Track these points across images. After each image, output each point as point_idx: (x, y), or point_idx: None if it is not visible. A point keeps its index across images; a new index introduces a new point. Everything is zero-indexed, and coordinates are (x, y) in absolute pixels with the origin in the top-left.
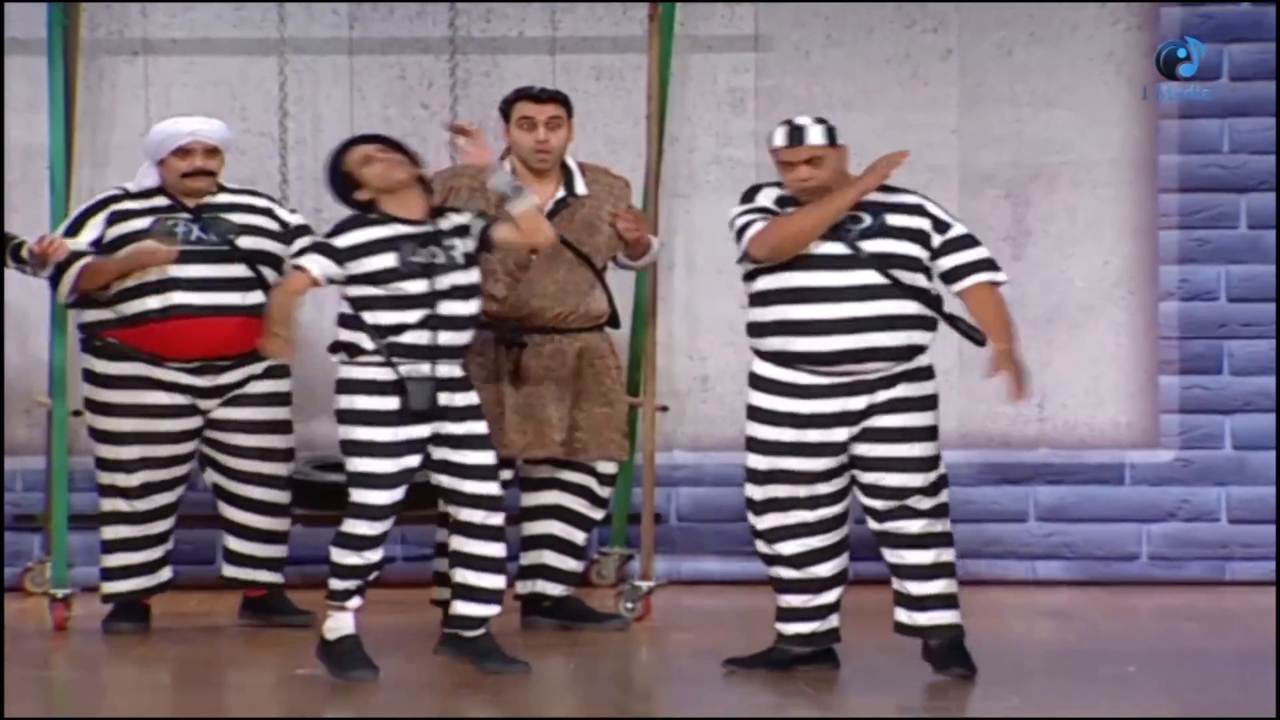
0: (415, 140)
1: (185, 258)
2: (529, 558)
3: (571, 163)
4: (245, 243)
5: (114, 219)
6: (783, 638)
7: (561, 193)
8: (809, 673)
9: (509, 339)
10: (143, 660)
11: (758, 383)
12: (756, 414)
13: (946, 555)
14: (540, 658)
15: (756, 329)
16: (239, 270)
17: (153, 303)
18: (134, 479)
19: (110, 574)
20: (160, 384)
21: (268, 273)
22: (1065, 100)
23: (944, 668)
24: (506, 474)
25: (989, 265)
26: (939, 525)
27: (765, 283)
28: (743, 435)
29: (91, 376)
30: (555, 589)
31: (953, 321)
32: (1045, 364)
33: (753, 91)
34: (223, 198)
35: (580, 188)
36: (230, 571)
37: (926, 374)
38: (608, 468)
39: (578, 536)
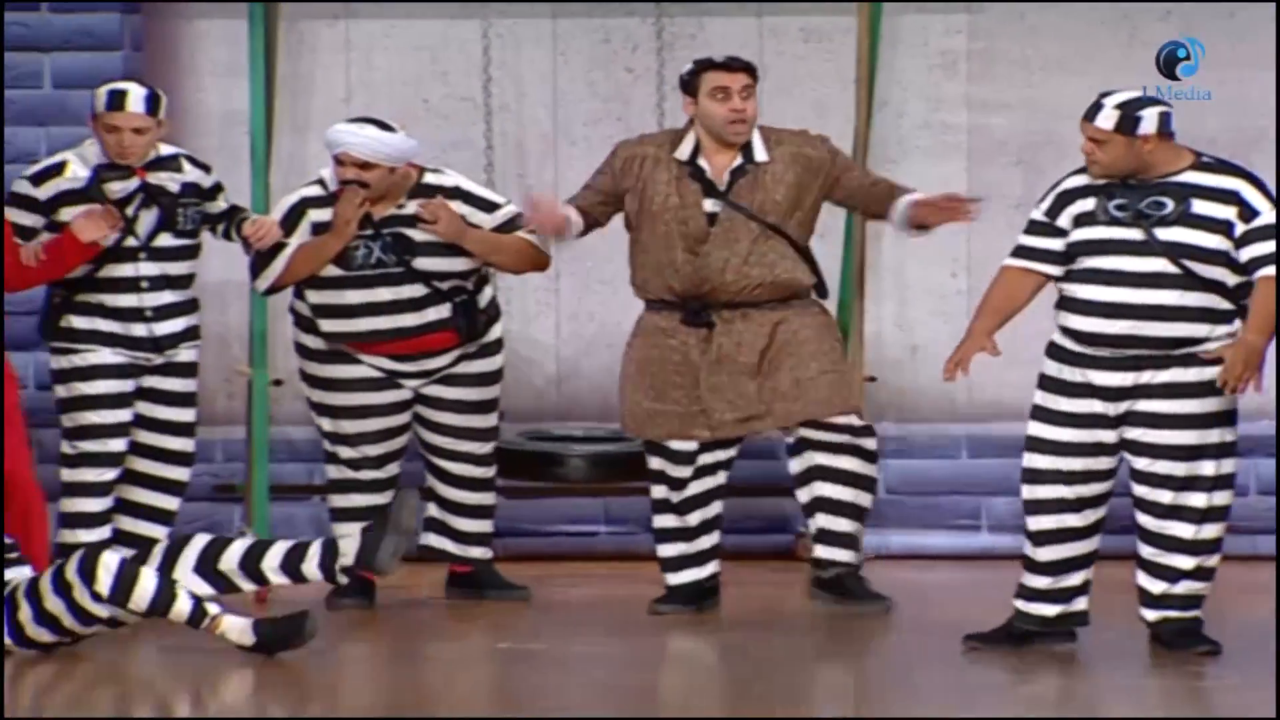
0: (619, 104)
1: (365, 282)
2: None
3: (755, 130)
4: (421, 263)
5: (315, 230)
6: (1020, 615)
7: (739, 160)
8: (1042, 649)
9: (695, 320)
10: (350, 632)
11: (1049, 350)
12: (1040, 380)
13: (1210, 561)
14: (757, 631)
15: (1057, 302)
16: (416, 290)
17: (341, 326)
18: (355, 451)
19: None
20: (365, 361)
21: (445, 286)
22: None
23: (1179, 648)
24: (730, 451)
25: (1277, 259)
26: (1209, 531)
27: (1073, 263)
28: (951, 405)
29: (302, 350)
30: (840, 554)
31: (1242, 314)
32: None
33: (965, 54)
34: (411, 207)
35: (760, 154)
36: (433, 541)
37: (1208, 359)
38: (851, 420)
39: (848, 495)
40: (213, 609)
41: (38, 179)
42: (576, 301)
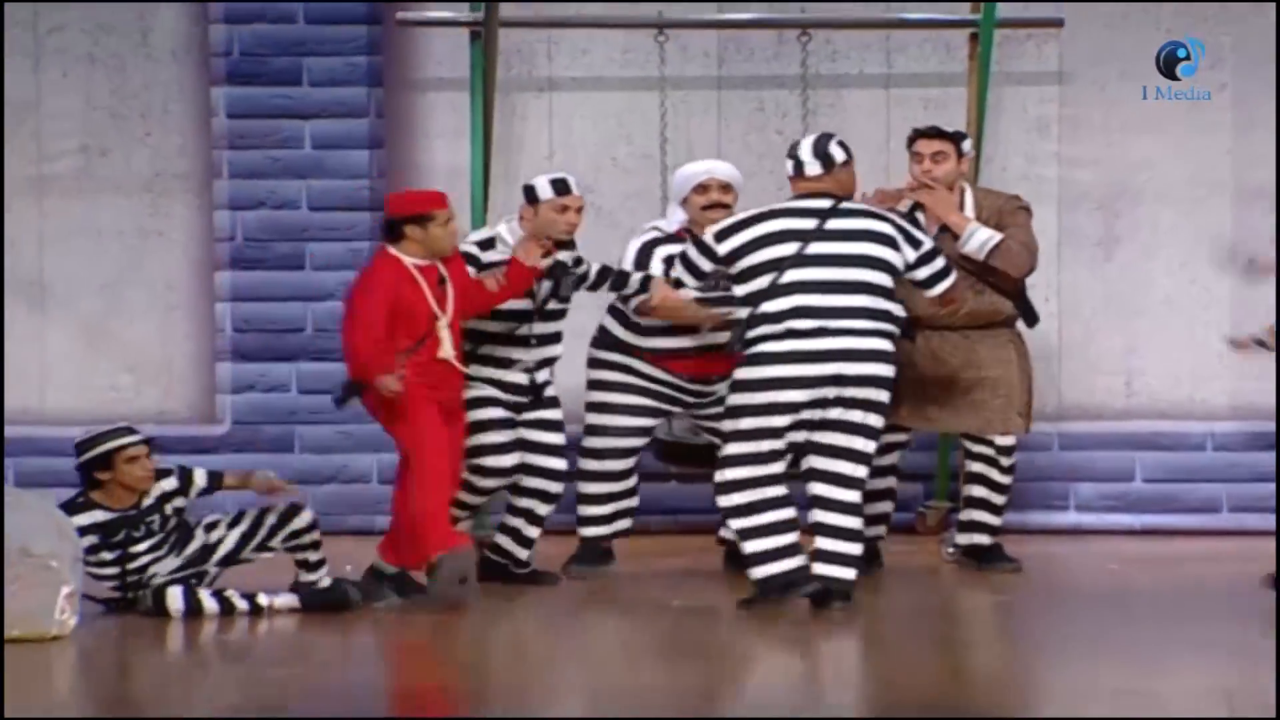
0: (770, 160)
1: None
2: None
3: (966, 186)
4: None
5: (666, 261)
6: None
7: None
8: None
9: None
10: (570, 594)
11: None
12: None
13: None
14: (881, 594)
15: None
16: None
17: (671, 342)
18: (608, 442)
19: (583, 521)
20: (654, 379)
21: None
22: None
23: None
24: (903, 435)
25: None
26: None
27: None
28: (1043, 406)
29: (598, 363)
30: (976, 537)
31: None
32: None
33: (1057, 119)
34: None
35: (969, 209)
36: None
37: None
38: (1003, 441)
39: (984, 494)
40: (263, 600)
41: (482, 245)
42: None
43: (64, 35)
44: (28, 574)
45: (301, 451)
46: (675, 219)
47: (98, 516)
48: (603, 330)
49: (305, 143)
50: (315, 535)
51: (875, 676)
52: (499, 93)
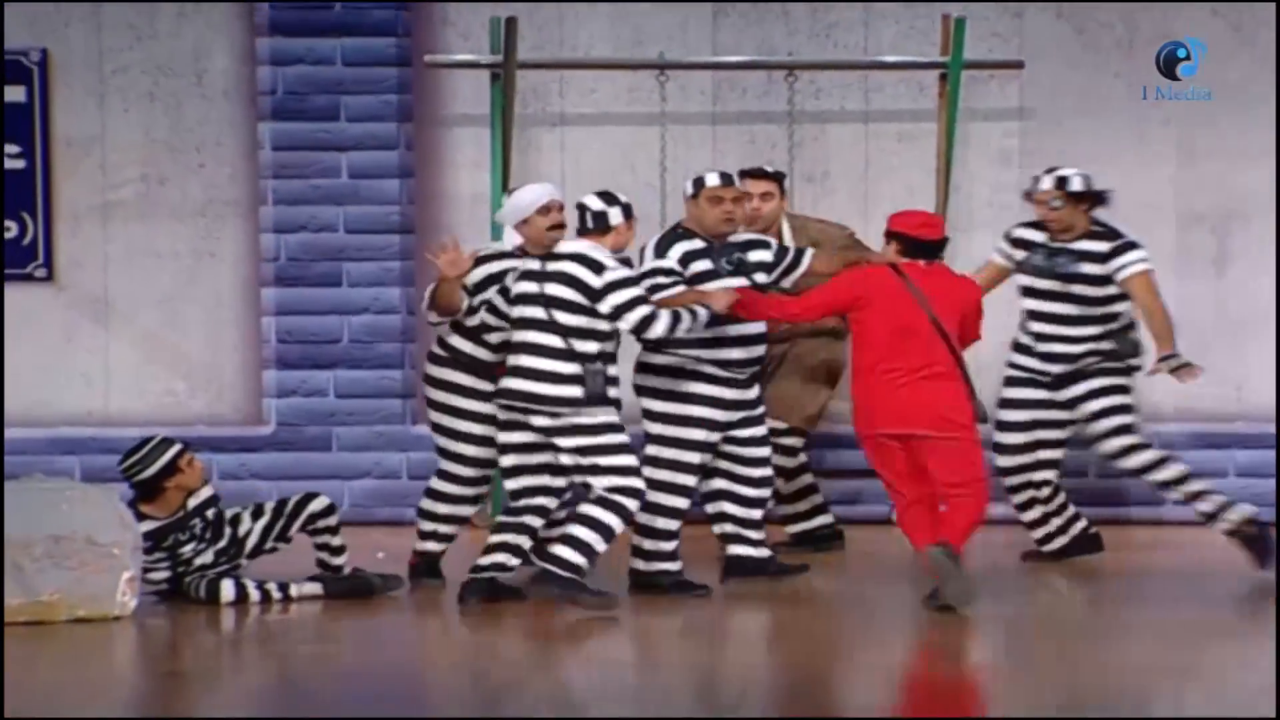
0: None
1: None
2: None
3: (784, 219)
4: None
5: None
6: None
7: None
8: None
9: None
10: None
11: None
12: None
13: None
14: (856, 582)
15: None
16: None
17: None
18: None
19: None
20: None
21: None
22: (1265, 159)
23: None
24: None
25: None
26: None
27: None
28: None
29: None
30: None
31: None
32: None
33: (1018, 151)
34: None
35: (787, 238)
36: None
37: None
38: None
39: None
40: (293, 590)
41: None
42: None
43: (127, 75)
44: (93, 560)
45: (339, 450)
46: (512, 240)
47: (147, 526)
48: (453, 349)
49: (342, 173)
50: (332, 520)
51: (850, 654)
52: (516, 127)
